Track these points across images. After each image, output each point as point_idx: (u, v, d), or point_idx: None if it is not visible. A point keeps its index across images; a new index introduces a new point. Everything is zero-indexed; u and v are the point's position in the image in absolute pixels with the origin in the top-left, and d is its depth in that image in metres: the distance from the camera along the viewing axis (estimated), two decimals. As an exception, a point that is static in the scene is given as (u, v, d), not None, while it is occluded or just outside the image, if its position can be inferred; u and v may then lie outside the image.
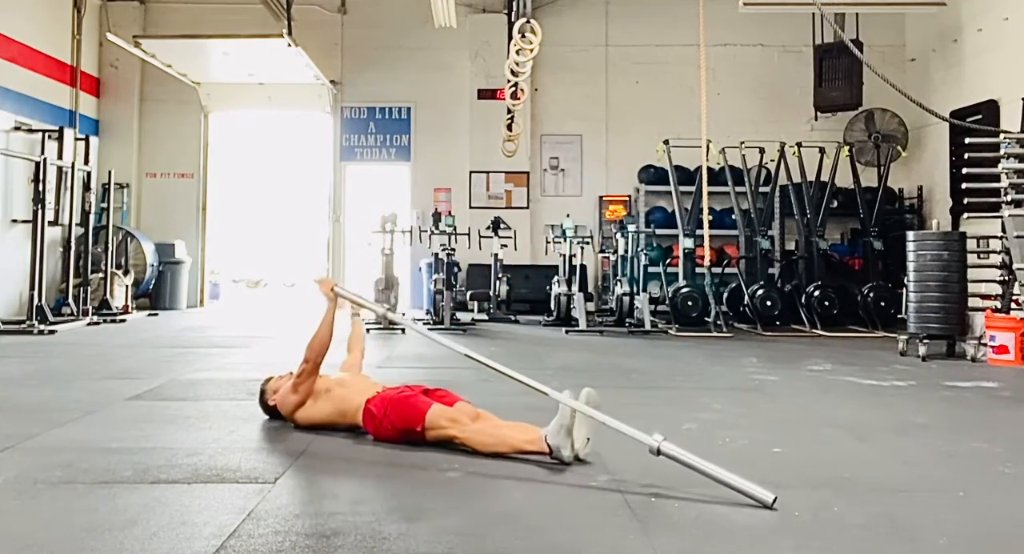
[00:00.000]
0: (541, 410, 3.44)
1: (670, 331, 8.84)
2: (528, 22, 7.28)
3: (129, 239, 10.96)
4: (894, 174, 10.87)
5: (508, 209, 11.57)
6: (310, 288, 4.03)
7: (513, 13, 9.24)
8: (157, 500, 2.72)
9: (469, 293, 10.83)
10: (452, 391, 3.70)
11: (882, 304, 9.16)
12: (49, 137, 9.87)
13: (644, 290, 9.42)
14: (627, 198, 11.98)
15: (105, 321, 9.34)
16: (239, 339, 7.84)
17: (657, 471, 3.04)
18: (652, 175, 11.40)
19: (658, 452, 2.91)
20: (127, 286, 10.49)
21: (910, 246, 6.98)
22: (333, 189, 12.12)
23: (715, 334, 8.56)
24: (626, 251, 9.92)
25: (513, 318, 10.14)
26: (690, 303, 9.20)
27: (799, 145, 9.94)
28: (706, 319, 9.06)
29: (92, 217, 10.21)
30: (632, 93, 12.02)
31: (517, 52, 7.44)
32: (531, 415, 3.65)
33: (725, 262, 9.94)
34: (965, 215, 9.29)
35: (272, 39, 9.35)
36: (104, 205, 10.43)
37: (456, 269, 10.53)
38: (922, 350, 6.63)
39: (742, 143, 10.05)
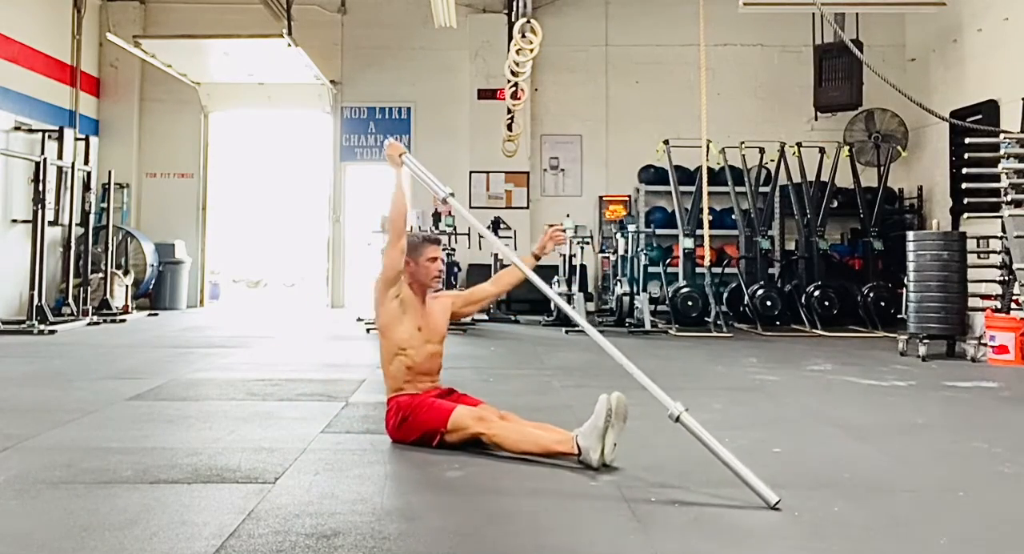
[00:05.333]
0: (542, 410, 3.44)
1: (670, 331, 8.84)
2: (528, 22, 7.29)
3: (129, 239, 10.96)
4: (894, 174, 10.87)
5: (508, 209, 11.56)
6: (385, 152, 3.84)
7: (513, 13, 9.26)
8: (157, 500, 2.73)
9: (469, 293, 10.81)
10: (474, 396, 3.69)
11: (882, 304, 9.16)
12: (49, 137, 9.87)
13: (644, 290, 9.41)
14: (627, 198, 11.97)
15: (105, 321, 9.33)
16: (239, 339, 7.84)
17: (657, 471, 3.04)
18: (652, 175, 11.39)
19: (677, 419, 2.91)
20: (127, 286, 10.49)
21: (910, 246, 6.97)
22: (333, 189, 12.12)
23: (715, 334, 8.56)
24: (626, 251, 9.92)
25: (513, 318, 10.14)
26: (690, 303, 9.19)
27: (799, 145, 9.94)
28: (706, 319, 9.06)
29: (92, 217, 10.20)
30: (632, 93, 12.01)
31: (517, 52, 7.45)
32: (532, 415, 3.66)
33: (725, 262, 9.93)
34: (965, 215, 9.28)
35: (272, 39, 9.35)
36: (104, 205, 10.43)
37: (456, 269, 10.53)
38: (922, 350, 6.63)
39: (742, 143, 10.05)
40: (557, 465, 3.18)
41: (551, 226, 3.94)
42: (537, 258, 3.72)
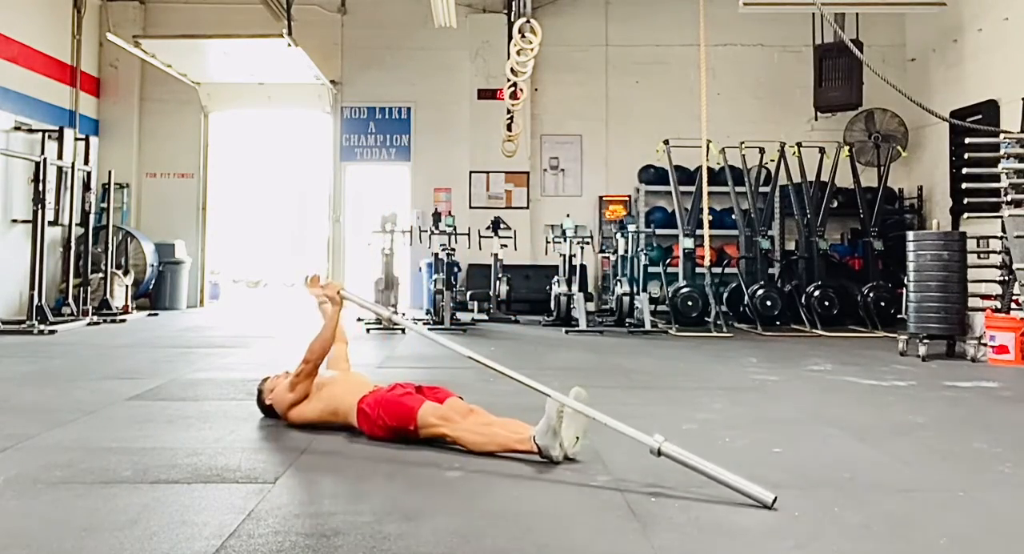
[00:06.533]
0: (542, 410, 3.44)
1: (670, 331, 8.84)
2: (528, 22, 7.29)
3: (129, 239, 10.95)
4: (894, 174, 10.87)
5: (508, 209, 11.57)
6: (310, 290, 4.01)
7: (513, 13, 9.25)
8: (157, 500, 2.73)
9: (469, 293, 10.83)
10: (446, 388, 3.73)
11: (882, 304, 9.16)
12: (49, 137, 9.86)
13: (644, 290, 9.42)
14: (627, 198, 11.98)
15: (105, 321, 9.33)
16: (239, 339, 7.84)
17: (657, 471, 3.04)
18: (652, 175, 11.40)
19: (659, 453, 2.91)
20: (127, 286, 10.49)
21: (910, 246, 6.97)
22: (333, 189, 12.12)
23: (715, 334, 8.56)
24: (626, 251, 9.92)
25: (513, 318, 10.14)
26: (690, 303, 9.20)
27: (799, 145, 9.94)
28: (706, 319, 9.06)
29: (92, 217, 10.20)
30: (632, 93, 12.02)
31: (517, 52, 7.45)
32: (530, 415, 3.65)
33: (725, 262, 9.94)
34: (965, 215, 9.29)
35: (272, 39, 9.35)
36: (104, 205, 10.42)
37: (456, 269, 10.54)
38: (922, 350, 6.63)
39: (742, 143, 10.04)
40: (556, 465, 3.18)
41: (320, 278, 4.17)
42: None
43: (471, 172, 11.74)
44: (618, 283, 9.56)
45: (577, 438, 3.23)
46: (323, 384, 3.81)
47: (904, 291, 7.19)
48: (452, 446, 3.40)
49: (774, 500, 2.67)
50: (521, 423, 3.40)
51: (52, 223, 9.37)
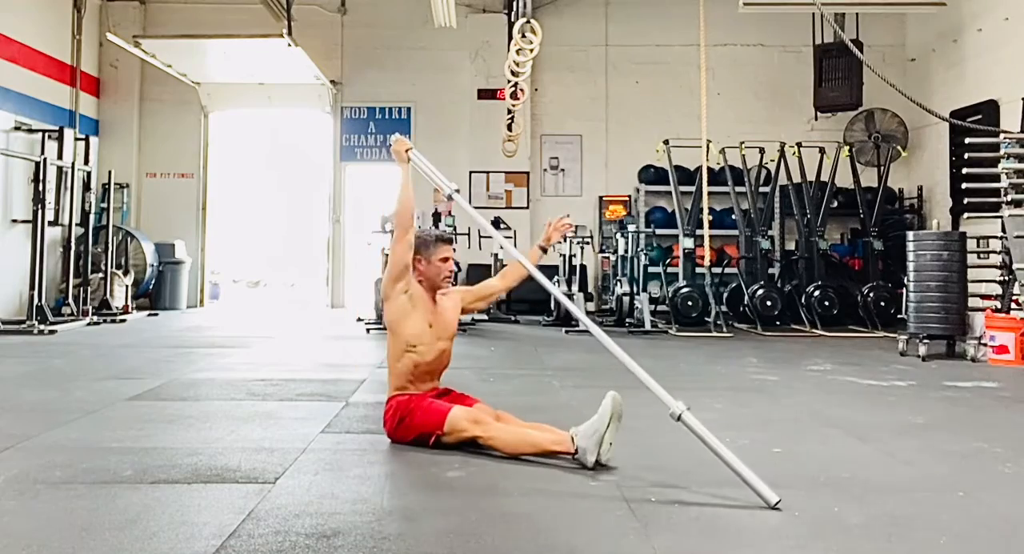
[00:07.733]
0: (542, 410, 3.44)
1: (670, 331, 8.84)
2: (528, 22, 7.30)
3: (129, 239, 10.95)
4: (894, 174, 10.87)
5: (508, 209, 11.56)
6: (394, 148, 3.74)
7: (513, 13, 9.25)
8: (157, 500, 2.73)
9: (469, 293, 10.81)
10: (471, 396, 3.69)
11: (882, 304, 9.16)
12: (49, 137, 9.87)
13: (644, 290, 9.42)
14: (627, 198, 11.97)
15: (105, 321, 9.33)
16: (239, 339, 7.83)
17: (658, 471, 3.04)
18: (652, 175, 11.40)
19: (678, 418, 2.92)
20: (127, 286, 10.49)
21: (910, 246, 6.98)
22: (333, 189, 12.12)
23: (715, 334, 8.56)
24: (626, 251, 9.92)
25: (513, 318, 10.14)
26: (690, 303, 9.20)
27: (799, 145, 9.94)
28: (706, 319, 9.06)
29: (92, 217, 10.20)
30: (632, 93, 12.01)
31: (517, 52, 7.46)
32: (532, 415, 3.66)
33: (725, 262, 9.93)
34: (965, 215, 9.28)
35: (272, 39, 9.35)
36: (104, 205, 10.43)
37: (456, 269, 10.53)
38: (922, 350, 6.63)
39: (742, 143, 10.04)
40: (556, 465, 3.18)
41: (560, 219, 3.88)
42: (544, 250, 3.71)
43: (471, 172, 11.74)
44: (618, 283, 9.56)
45: (611, 444, 3.15)
46: (420, 319, 3.53)
47: (904, 291, 7.20)
48: (475, 448, 3.35)
49: (778, 501, 2.67)
50: (551, 427, 3.35)
51: (52, 223, 9.37)
